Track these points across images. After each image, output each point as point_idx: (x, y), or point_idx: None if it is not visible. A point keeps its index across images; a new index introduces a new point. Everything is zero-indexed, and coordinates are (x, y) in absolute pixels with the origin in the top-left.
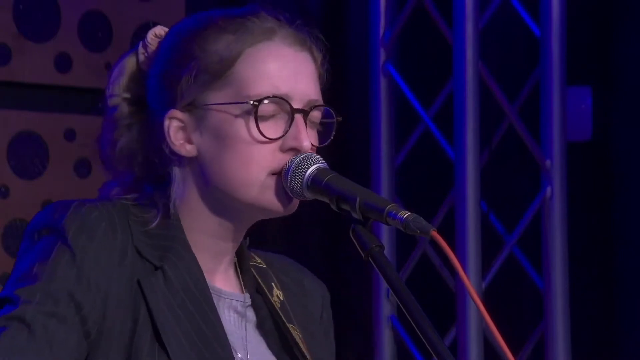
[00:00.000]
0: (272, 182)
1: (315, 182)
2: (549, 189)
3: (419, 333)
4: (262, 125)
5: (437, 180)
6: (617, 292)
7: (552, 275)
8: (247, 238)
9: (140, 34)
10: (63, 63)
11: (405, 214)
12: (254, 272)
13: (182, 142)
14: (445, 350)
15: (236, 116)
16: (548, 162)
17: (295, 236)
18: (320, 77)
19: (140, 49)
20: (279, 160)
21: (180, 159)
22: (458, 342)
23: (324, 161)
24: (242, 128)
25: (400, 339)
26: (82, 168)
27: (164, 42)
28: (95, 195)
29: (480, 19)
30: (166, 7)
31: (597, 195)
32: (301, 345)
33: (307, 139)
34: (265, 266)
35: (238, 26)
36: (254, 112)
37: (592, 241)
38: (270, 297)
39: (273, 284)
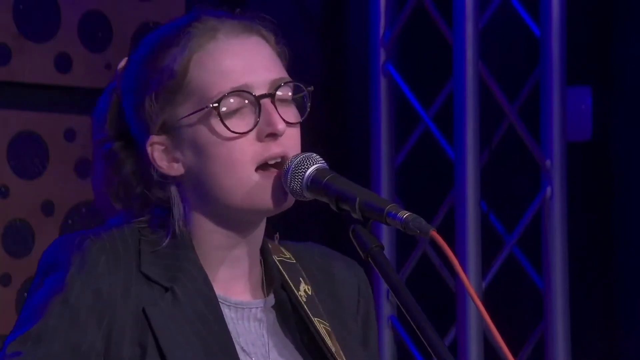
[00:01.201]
0: (261, 179)
1: (314, 182)
2: (549, 189)
3: (418, 333)
4: (231, 122)
5: (437, 180)
6: (617, 292)
7: (552, 275)
8: (277, 233)
9: (140, 34)
10: (63, 63)
11: (405, 214)
12: (280, 267)
13: (168, 163)
14: (445, 350)
15: (204, 123)
16: (548, 162)
17: (296, 236)
18: (279, 55)
19: (117, 84)
20: (260, 150)
21: (173, 180)
22: (458, 342)
23: (323, 161)
24: (213, 132)
25: (400, 339)
26: (82, 168)
27: (125, 73)
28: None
29: (480, 19)
30: (166, 7)
31: (597, 195)
32: (327, 339)
33: (281, 121)
34: (294, 261)
35: (181, 36)
36: (216, 114)
37: (592, 241)
38: (296, 292)
39: (301, 278)
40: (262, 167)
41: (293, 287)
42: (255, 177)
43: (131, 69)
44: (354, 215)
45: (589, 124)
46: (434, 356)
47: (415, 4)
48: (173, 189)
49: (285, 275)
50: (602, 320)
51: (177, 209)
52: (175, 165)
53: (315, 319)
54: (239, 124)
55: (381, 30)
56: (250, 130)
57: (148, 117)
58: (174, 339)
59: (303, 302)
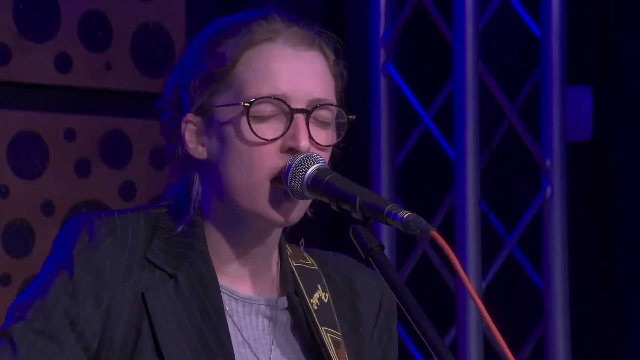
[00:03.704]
0: (274, 190)
1: (315, 181)
2: (549, 189)
3: (419, 333)
4: (259, 127)
5: (437, 180)
6: (617, 292)
7: (552, 275)
8: (302, 239)
9: (140, 33)
10: (63, 63)
11: (405, 214)
12: (296, 273)
13: (195, 145)
14: (445, 350)
15: (234, 119)
16: (548, 162)
17: (295, 236)
18: (334, 76)
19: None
20: (278, 161)
21: (197, 163)
22: (458, 342)
23: (324, 160)
24: (239, 131)
25: (400, 338)
26: (82, 168)
27: (187, 49)
28: (95, 195)
29: (480, 19)
30: (166, 7)
31: (597, 195)
32: (332, 349)
33: (306, 138)
34: (315, 267)
35: (243, 29)
36: (246, 114)
37: (592, 241)
38: (308, 299)
39: (319, 285)
40: (277, 180)
41: (305, 294)
42: (267, 186)
43: (192, 47)
44: (355, 215)
45: (589, 124)
46: (434, 356)
47: (415, 4)
48: (196, 173)
49: (300, 282)
50: (602, 320)
51: (195, 192)
52: (200, 148)
53: (323, 328)
54: (267, 130)
55: (381, 30)
56: (275, 140)
57: (191, 96)
58: (169, 326)
59: (313, 310)
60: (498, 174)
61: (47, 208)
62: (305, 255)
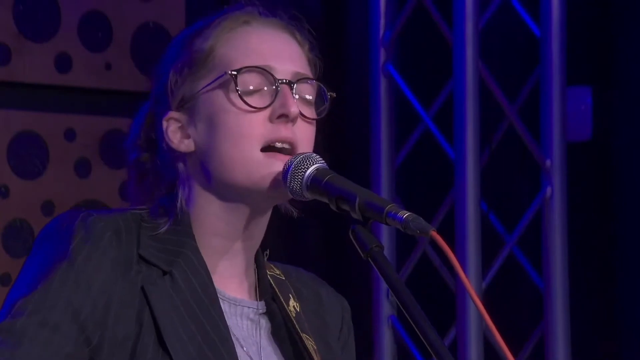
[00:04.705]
0: (264, 160)
1: (314, 182)
2: (549, 189)
3: (418, 333)
4: (247, 98)
5: (437, 180)
6: (617, 292)
7: (552, 275)
8: (267, 250)
9: (140, 34)
10: (63, 63)
11: (405, 214)
12: (271, 281)
13: (180, 139)
14: (444, 350)
15: (220, 93)
16: (548, 162)
17: (296, 236)
18: (309, 61)
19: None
20: (269, 130)
21: (182, 158)
22: (458, 342)
23: (323, 161)
24: (227, 102)
25: (400, 339)
26: (82, 168)
27: (162, 55)
28: (95, 194)
29: (480, 19)
30: (166, 7)
31: (597, 195)
32: (314, 355)
33: (295, 106)
34: (283, 277)
35: (217, 20)
36: (234, 82)
37: (592, 241)
38: (286, 306)
39: (290, 294)
40: (268, 148)
41: (283, 301)
42: (259, 156)
43: (168, 50)
44: (354, 216)
45: (589, 124)
46: (434, 356)
47: (415, 4)
48: (181, 166)
49: (276, 289)
50: (602, 320)
51: (182, 189)
52: (186, 141)
53: (303, 335)
54: (254, 100)
55: (381, 30)
56: (264, 108)
57: (169, 92)
58: (171, 320)
59: (292, 317)
60: (498, 174)
61: (47, 208)
62: (271, 265)
